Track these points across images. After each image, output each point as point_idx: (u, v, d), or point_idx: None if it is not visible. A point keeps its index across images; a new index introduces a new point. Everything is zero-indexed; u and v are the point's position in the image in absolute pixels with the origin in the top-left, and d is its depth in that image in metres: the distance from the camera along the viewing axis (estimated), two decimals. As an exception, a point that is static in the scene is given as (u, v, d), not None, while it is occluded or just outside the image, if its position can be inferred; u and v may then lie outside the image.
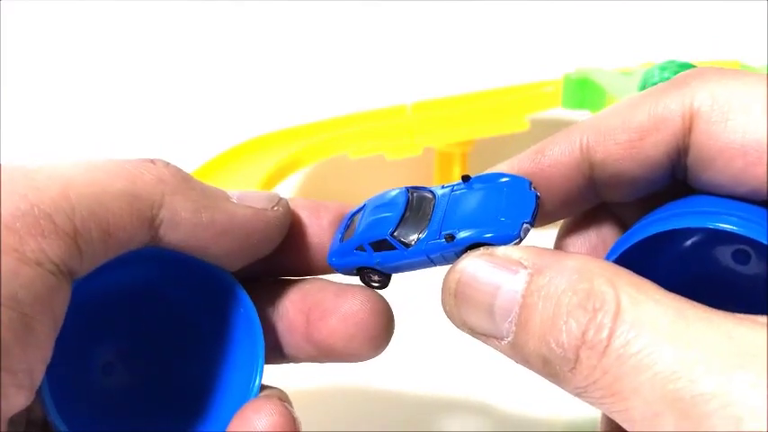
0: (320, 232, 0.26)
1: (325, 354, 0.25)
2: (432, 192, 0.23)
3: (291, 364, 0.28)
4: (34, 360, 0.19)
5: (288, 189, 0.60)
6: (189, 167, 0.51)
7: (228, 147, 0.54)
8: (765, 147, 0.19)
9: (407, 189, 0.24)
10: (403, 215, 0.23)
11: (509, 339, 0.19)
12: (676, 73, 0.39)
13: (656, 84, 0.40)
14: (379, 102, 0.56)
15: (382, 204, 0.24)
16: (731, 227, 0.19)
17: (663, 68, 0.40)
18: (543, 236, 0.24)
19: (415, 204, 0.23)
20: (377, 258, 0.23)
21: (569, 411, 0.37)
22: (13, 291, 0.18)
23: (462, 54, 0.57)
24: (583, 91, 0.48)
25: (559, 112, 0.51)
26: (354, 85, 0.57)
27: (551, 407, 0.38)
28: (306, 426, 0.37)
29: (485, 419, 0.37)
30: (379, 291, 0.25)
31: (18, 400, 0.19)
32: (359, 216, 0.24)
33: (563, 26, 0.56)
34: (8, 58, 0.56)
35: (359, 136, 0.53)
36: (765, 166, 0.19)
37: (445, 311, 0.21)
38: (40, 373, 0.19)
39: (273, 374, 0.41)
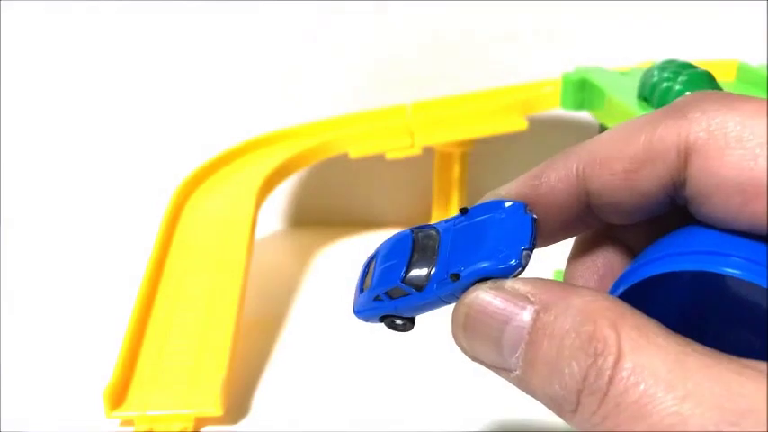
0: None
1: None
2: (436, 228, 0.24)
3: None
4: None
5: (288, 189, 0.61)
6: (188, 168, 0.52)
7: (228, 147, 0.54)
8: (763, 182, 0.18)
9: (411, 230, 0.24)
10: (410, 259, 0.23)
11: (517, 373, 0.19)
12: (676, 73, 0.39)
13: (655, 84, 0.40)
14: (379, 102, 0.56)
15: (390, 251, 0.24)
16: (737, 271, 0.19)
17: (662, 68, 0.40)
18: (550, 249, 0.24)
19: (420, 245, 0.23)
20: (395, 305, 0.23)
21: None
22: None
23: (462, 54, 0.57)
24: (582, 91, 0.48)
25: (559, 112, 0.51)
26: (354, 85, 0.57)
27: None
28: (307, 426, 0.37)
29: (486, 420, 0.37)
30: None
31: None
32: (373, 264, 0.25)
33: (563, 26, 0.56)
34: (8, 58, 0.56)
35: (359, 136, 0.53)
36: (764, 203, 0.19)
37: (456, 344, 0.21)
38: None
39: (278, 374, 0.41)
